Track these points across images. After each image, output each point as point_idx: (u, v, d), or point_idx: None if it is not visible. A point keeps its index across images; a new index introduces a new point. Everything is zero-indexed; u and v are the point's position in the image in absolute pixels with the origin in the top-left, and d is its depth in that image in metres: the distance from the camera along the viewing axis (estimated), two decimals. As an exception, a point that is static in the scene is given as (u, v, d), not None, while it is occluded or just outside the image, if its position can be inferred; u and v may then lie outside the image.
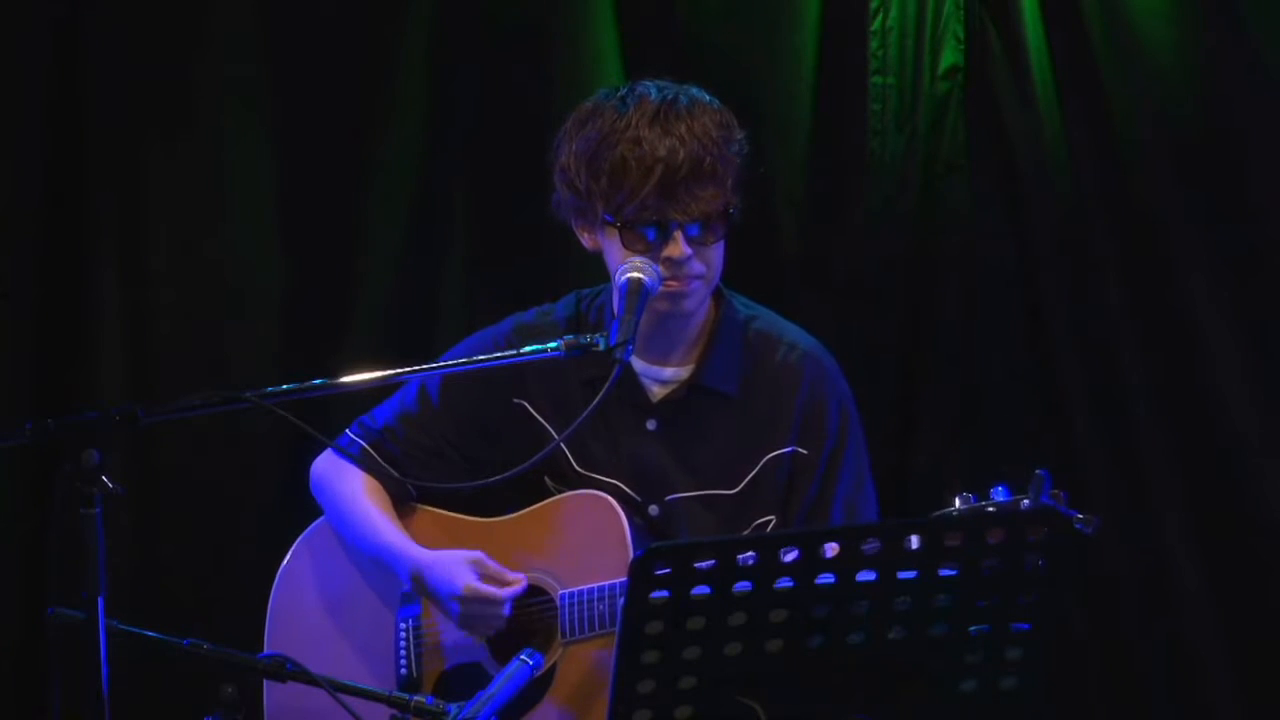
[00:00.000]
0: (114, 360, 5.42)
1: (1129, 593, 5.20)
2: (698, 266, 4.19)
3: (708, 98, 4.25)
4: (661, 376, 4.34)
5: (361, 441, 4.45)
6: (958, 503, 3.89)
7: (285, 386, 3.77)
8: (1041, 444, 5.25)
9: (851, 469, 4.33)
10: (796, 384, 4.32)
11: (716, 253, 4.22)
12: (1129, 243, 5.22)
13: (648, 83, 4.26)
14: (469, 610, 4.23)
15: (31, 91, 5.38)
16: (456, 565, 4.25)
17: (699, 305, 4.26)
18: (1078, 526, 3.70)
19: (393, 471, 4.42)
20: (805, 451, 4.30)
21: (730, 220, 4.21)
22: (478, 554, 4.26)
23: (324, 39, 5.42)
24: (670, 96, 4.21)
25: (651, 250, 4.17)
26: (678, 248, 4.16)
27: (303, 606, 4.47)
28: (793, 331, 4.40)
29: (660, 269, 4.15)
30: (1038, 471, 3.74)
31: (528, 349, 4.00)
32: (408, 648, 4.38)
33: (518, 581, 4.24)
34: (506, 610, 4.23)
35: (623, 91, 4.25)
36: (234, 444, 5.36)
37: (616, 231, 4.19)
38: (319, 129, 5.42)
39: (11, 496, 5.34)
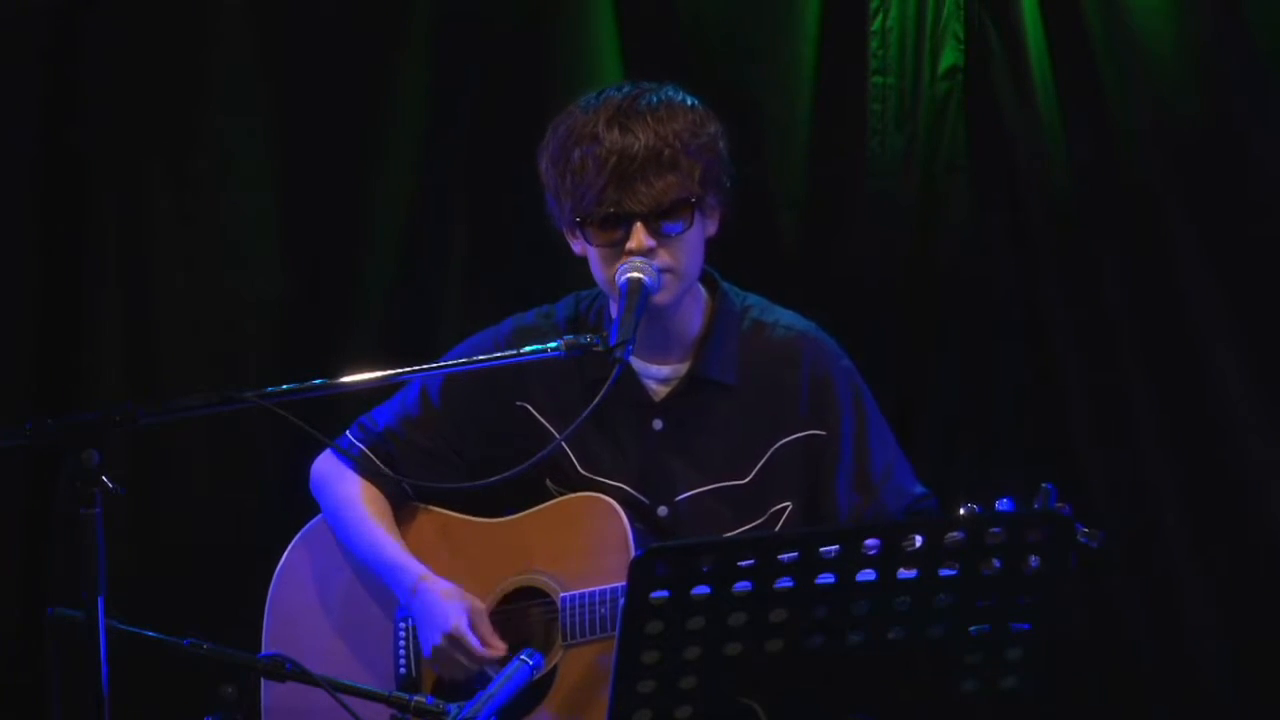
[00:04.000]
0: (114, 360, 5.42)
1: (1129, 592, 5.20)
2: (663, 259, 4.18)
3: (682, 96, 4.25)
4: (661, 375, 4.35)
5: (361, 444, 4.45)
6: (962, 514, 3.89)
7: (285, 386, 3.77)
8: (1041, 444, 5.25)
9: (879, 437, 4.34)
10: (797, 365, 4.33)
11: (686, 246, 4.21)
12: (1129, 242, 5.21)
13: (623, 84, 4.29)
14: (446, 646, 4.23)
15: (32, 91, 5.38)
16: (456, 604, 4.25)
17: (674, 301, 4.25)
18: (1082, 540, 3.70)
19: (391, 474, 4.42)
20: (822, 432, 4.30)
21: (695, 210, 4.20)
22: (481, 606, 4.27)
23: (324, 39, 5.42)
24: (635, 95, 4.22)
25: (615, 244, 4.17)
26: (637, 239, 4.16)
27: (302, 602, 4.47)
28: (787, 315, 4.42)
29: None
30: (1044, 485, 3.74)
31: (528, 349, 4.00)
32: (407, 647, 4.38)
33: (501, 650, 4.23)
34: (479, 670, 4.22)
35: (593, 95, 4.27)
36: (234, 444, 5.36)
37: (583, 231, 4.20)
38: (319, 129, 5.42)
39: (11, 496, 5.33)
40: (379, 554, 4.38)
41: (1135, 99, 5.18)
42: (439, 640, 4.23)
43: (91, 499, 3.47)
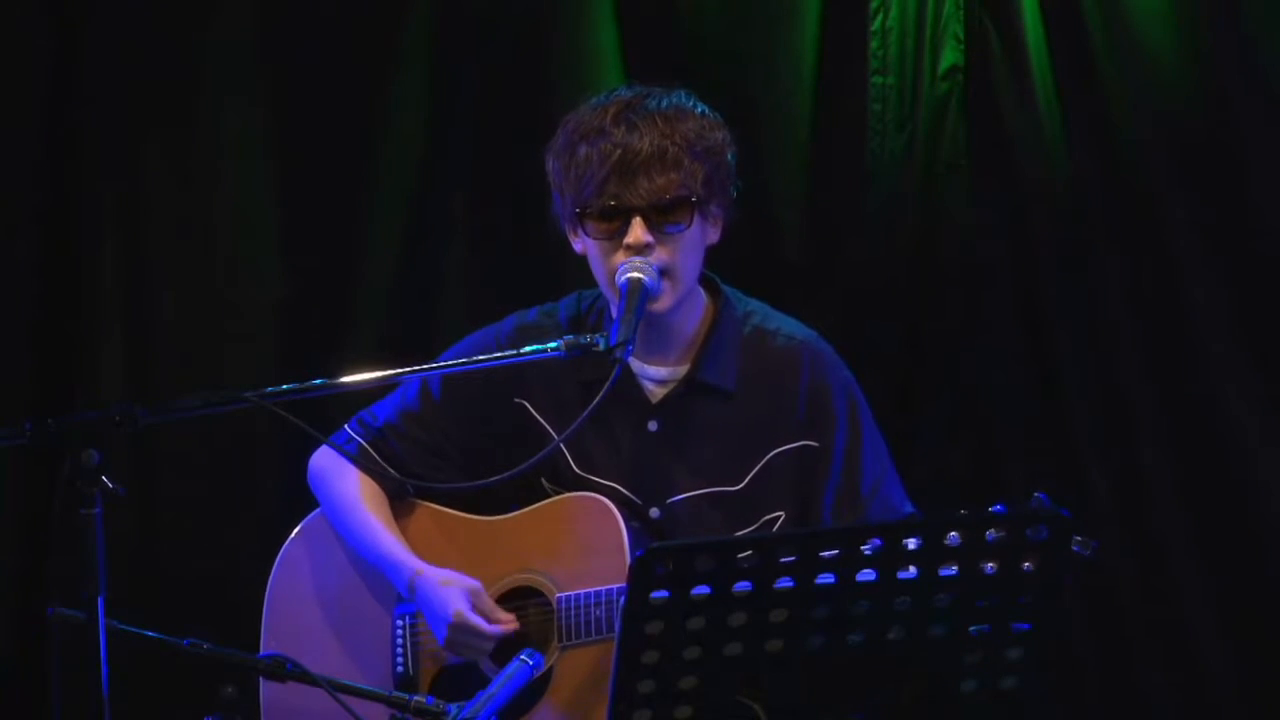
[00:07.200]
0: (114, 360, 5.42)
1: (1128, 592, 5.20)
2: (661, 258, 4.18)
3: (693, 103, 4.26)
4: (659, 376, 4.34)
5: (360, 439, 4.44)
6: (961, 514, 3.87)
7: (285, 386, 3.77)
8: (1041, 444, 5.25)
9: (872, 452, 4.33)
10: (796, 374, 4.32)
11: (684, 245, 4.20)
12: (1129, 243, 5.22)
13: (634, 86, 4.30)
14: (455, 636, 4.24)
15: (32, 90, 5.38)
16: (452, 590, 4.25)
17: (672, 306, 4.24)
18: (1075, 549, 3.70)
19: (390, 471, 4.41)
20: (816, 444, 4.29)
21: (695, 210, 4.20)
22: (476, 584, 4.27)
23: (324, 39, 5.42)
24: (644, 96, 4.23)
25: (613, 237, 4.18)
26: (635, 233, 4.16)
27: (300, 595, 4.46)
28: (789, 323, 4.41)
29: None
30: (1035, 494, 3.73)
31: (528, 349, 4.01)
32: (405, 645, 4.38)
33: (509, 622, 4.24)
34: (492, 646, 4.23)
35: (603, 94, 4.28)
36: (234, 444, 5.36)
37: (583, 224, 4.20)
38: (319, 129, 5.43)
39: (12, 496, 5.34)
40: (377, 549, 4.38)
41: (1135, 99, 5.18)
42: (446, 631, 4.24)
43: (91, 499, 3.48)
